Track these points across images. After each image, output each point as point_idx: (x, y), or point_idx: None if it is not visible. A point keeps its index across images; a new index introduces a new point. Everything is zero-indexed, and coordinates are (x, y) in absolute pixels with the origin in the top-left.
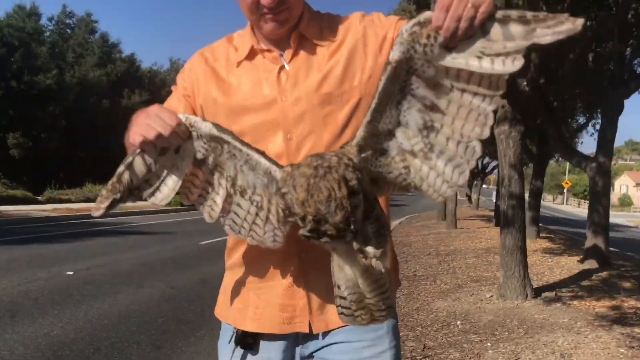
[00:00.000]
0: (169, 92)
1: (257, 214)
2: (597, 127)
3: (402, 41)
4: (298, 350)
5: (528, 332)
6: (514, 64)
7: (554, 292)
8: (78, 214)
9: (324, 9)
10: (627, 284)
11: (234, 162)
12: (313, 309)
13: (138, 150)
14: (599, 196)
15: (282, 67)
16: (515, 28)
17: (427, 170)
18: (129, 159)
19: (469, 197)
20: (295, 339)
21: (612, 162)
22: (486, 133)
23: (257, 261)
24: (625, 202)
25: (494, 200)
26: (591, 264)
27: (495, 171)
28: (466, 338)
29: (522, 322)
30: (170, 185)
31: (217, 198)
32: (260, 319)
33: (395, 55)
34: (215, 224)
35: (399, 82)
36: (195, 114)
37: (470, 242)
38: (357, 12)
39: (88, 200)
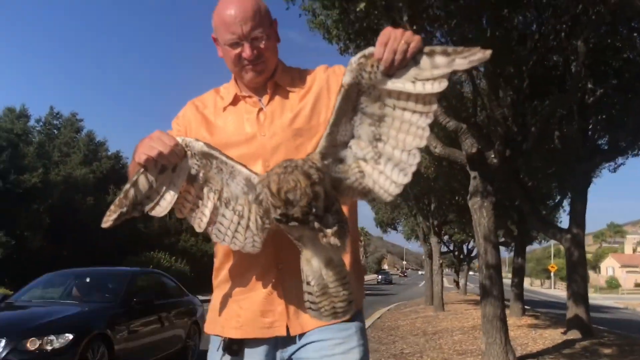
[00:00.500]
0: None
1: (239, 223)
2: None
3: (351, 69)
4: (279, 354)
5: None
6: (440, 85)
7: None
8: None
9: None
10: (608, 351)
11: (221, 176)
12: (290, 313)
13: (142, 170)
14: (576, 266)
15: (260, 109)
16: (440, 59)
17: (377, 174)
18: (134, 178)
19: (457, 283)
20: (275, 344)
21: (597, 246)
22: (423, 143)
23: (241, 275)
24: (613, 285)
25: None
26: (574, 334)
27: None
28: None
29: None
30: (168, 199)
31: (206, 210)
32: (242, 326)
33: (347, 79)
34: None
35: (351, 101)
36: None
37: (457, 322)
38: (322, 64)
39: None
